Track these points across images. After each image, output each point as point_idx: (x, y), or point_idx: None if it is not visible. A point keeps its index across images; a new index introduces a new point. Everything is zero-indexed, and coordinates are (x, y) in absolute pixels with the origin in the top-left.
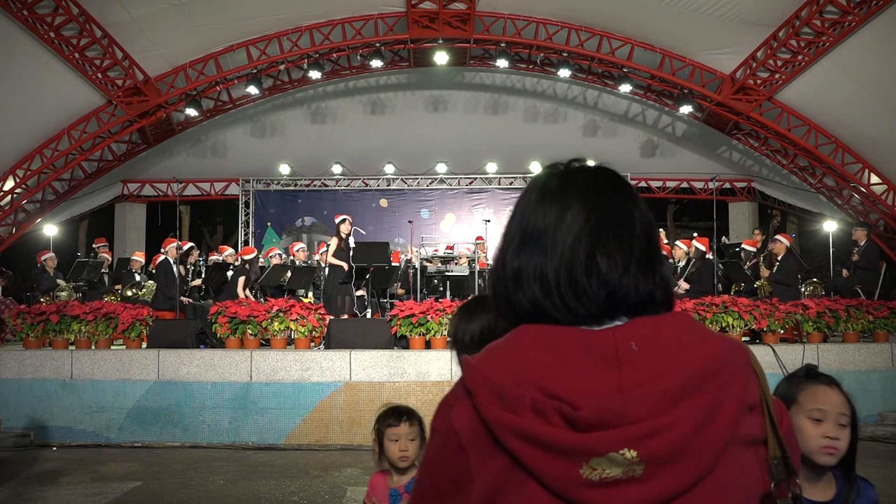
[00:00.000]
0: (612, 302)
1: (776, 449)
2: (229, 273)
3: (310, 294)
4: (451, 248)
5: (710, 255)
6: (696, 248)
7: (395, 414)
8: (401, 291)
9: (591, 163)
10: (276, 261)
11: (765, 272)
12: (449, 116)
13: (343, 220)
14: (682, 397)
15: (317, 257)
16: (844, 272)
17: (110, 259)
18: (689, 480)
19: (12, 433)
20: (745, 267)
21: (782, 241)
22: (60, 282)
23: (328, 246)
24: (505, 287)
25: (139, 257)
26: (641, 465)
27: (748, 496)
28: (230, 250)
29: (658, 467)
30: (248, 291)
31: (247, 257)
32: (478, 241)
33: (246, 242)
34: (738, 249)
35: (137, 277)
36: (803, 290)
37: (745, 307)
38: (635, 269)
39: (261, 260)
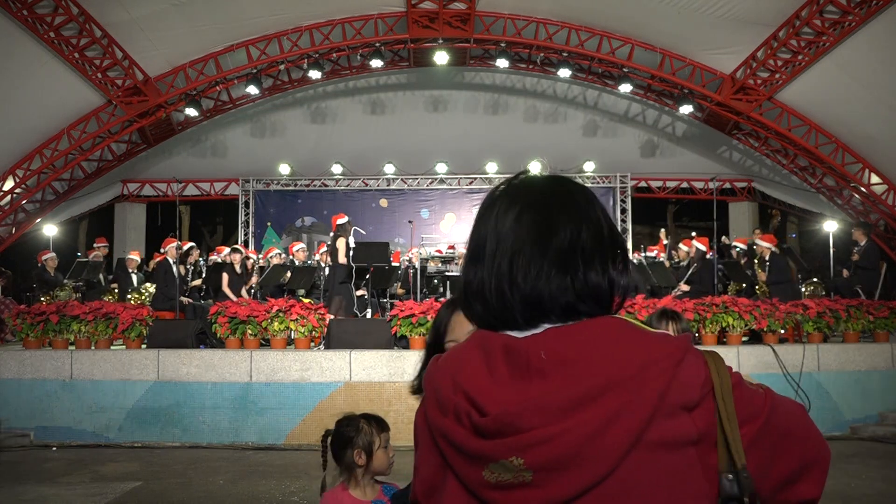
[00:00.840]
0: (530, 309)
1: (726, 461)
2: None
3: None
4: (453, 247)
5: (710, 255)
6: (697, 249)
7: (378, 421)
8: (400, 291)
9: (535, 173)
10: (276, 261)
11: (762, 275)
12: (449, 116)
13: (348, 221)
14: (577, 407)
15: (317, 257)
16: (845, 272)
17: (102, 257)
18: (580, 487)
19: (12, 433)
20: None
21: (762, 245)
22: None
23: (329, 247)
24: (464, 297)
25: (135, 256)
26: (529, 472)
27: (678, 498)
28: (227, 250)
29: (547, 474)
30: (245, 291)
31: (220, 255)
32: None
33: (246, 243)
34: (738, 249)
35: (134, 277)
36: (804, 290)
37: (746, 307)
38: (551, 277)
39: (261, 260)
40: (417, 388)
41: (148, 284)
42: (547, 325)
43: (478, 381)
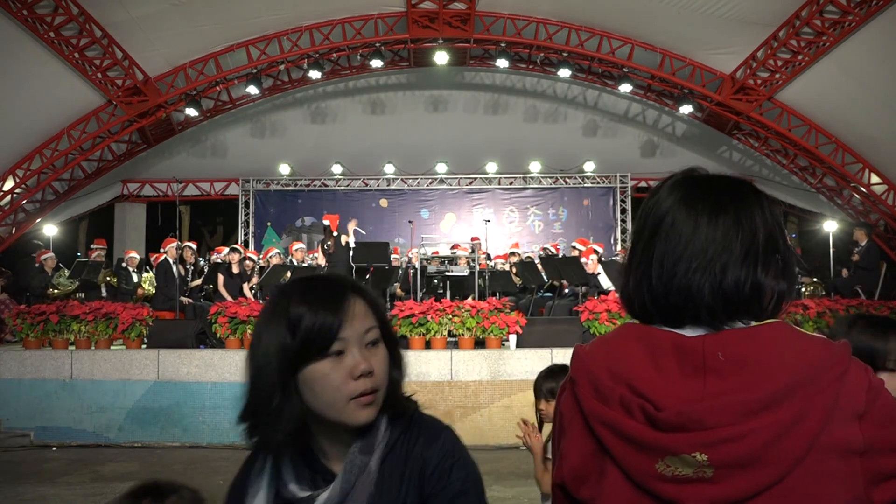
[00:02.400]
0: (689, 310)
1: None
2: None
3: None
4: (458, 246)
5: None
6: None
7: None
8: (399, 293)
9: (711, 171)
10: (275, 260)
11: None
12: (449, 116)
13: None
14: (763, 409)
15: (316, 254)
16: (844, 272)
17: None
18: (758, 486)
19: (12, 433)
20: None
21: None
22: (63, 276)
23: (329, 247)
24: (625, 284)
25: (134, 254)
26: (711, 469)
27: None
28: (227, 250)
29: (728, 471)
30: (247, 290)
31: (220, 255)
32: (474, 241)
33: (246, 243)
34: None
35: (135, 276)
36: (803, 290)
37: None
38: (712, 280)
39: (260, 260)
40: None
41: (151, 275)
42: (703, 328)
43: (644, 375)
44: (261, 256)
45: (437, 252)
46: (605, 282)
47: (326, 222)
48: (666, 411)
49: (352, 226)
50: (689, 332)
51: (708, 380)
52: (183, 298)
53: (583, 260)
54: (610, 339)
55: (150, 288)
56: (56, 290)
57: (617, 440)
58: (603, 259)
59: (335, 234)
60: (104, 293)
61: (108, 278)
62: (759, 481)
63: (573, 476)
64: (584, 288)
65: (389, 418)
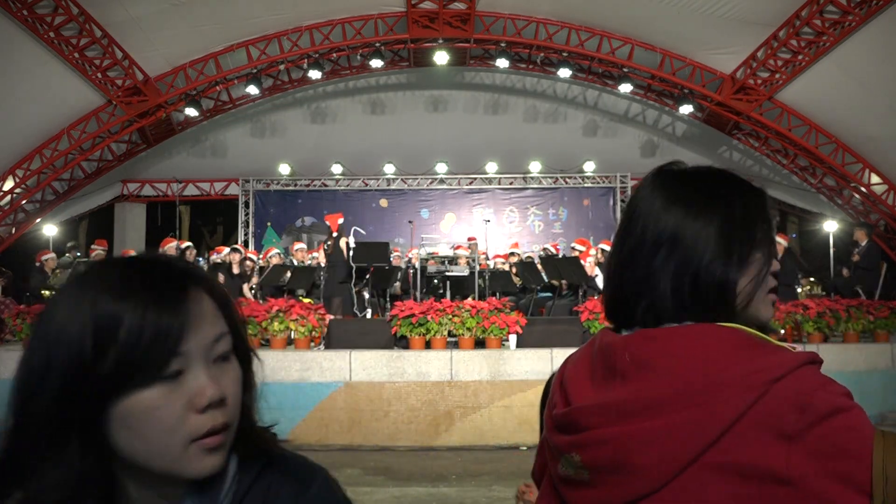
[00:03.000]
0: (623, 309)
1: None
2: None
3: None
4: (461, 247)
5: None
6: None
7: None
8: (399, 293)
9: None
10: (275, 261)
11: None
12: (449, 116)
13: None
14: (638, 414)
15: (315, 255)
16: (845, 272)
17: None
18: (631, 495)
19: None
20: None
21: (780, 242)
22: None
23: (330, 247)
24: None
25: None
26: (586, 471)
27: None
28: (227, 250)
29: (602, 476)
30: (247, 290)
31: (220, 255)
32: (470, 242)
33: (246, 243)
34: None
35: None
36: (799, 290)
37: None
38: (637, 276)
39: (260, 260)
40: None
41: None
42: (637, 326)
43: (577, 378)
44: (260, 256)
45: (436, 252)
46: (601, 283)
47: (339, 220)
48: (559, 412)
49: (344, 242)
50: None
51: (615, 382)
52: None
53: (590, 260)
54: (584, 343)
55: None
56: (52, 292)
57: (545, 439)
58: (601, 261)
59: (334, 234)
60: None
61: None
62: (631, 490)
63: (537, 471)
64: (584, 287)
65: (239, 461)
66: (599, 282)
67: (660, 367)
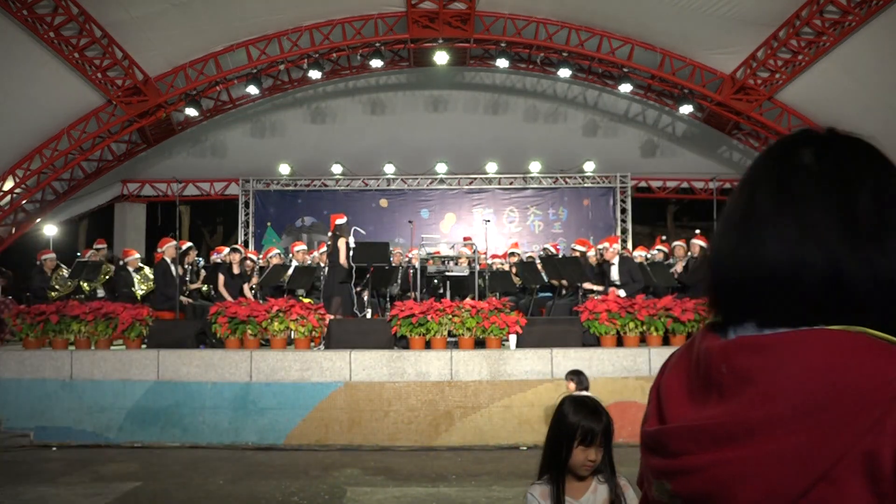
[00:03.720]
0: (733, 306)
1: None
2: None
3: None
4: (468, 238)
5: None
6: (699, 247)
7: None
8: (399, 293)
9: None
10: (275, 261)
11: None
12: (449, 116)
13: (347, 221)
14: (739, 438)
15: (315, 255)
16: None
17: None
18: None
19: (12, 433)
20: None
21: None
22: (60, 277)
23: (329, 247)
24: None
25: (133, 255)
26: (679, 500)
27: None
28: (227, 250)
29: None
30: (247, 290)
31: (220, 255)
32: (466, 241)
33: (246, 243)
34: None
35: (135, 275)
36: None
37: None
38: (739, 250)
39: (260, 260)
40: None
41: (148, 270)
42: (752, 328)
43: (673, 388)
44: (260, 256)
45: (438, 252)
46: (613, 273)
47: (338, 221)
48: (646, 430)
49: (343, 242)
50: (738, 332)
51: (711, 398)
52: (182, 298)
53: (605, 245)
54: (685, 343)
55: (147, 285)
56: (54, 293)
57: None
58: (621, 254)
59: (334, 234)
60: (101, 293)
61: (106, 275)
62: None
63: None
64: (586, 284)
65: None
66: (612, 271)
67: (767, 382)
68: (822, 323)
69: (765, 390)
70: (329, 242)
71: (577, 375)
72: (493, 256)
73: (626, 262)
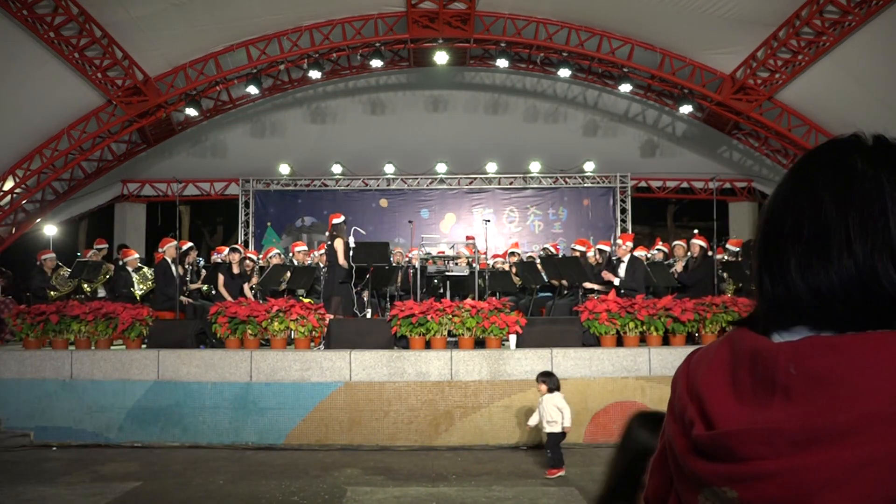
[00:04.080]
0: (785, 306)
1: None
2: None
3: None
4: (471, 237)
5: (710, 254)
6: (700, 247)
7: None
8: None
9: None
10: (275, 261)
11: None
12: (449, 116)
13: (344, 220)
14: (821, 442)
15: (315, 255)
16: None
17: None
18: None
19: (12, 433)
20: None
21: None
22: (60, 276)
23: (327, 248)
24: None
25: (132, 255)
26: None
27: None
28: (227, 250)
29: None
30: (247, 290)
31: (220, 255)
32: (469, 241)
33: (246, 243)
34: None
35: (135, 275)
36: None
37: (746, 307)
38: (808, 267)
39: (261, 260)
40: None
41: (147, 270)
42: (805, 330)
43: (715, 388)
44: (261, 256)
45: (441, 252)
46: (621, 271)
47: (335, 221)
48: (709, 432)
49: (340, 243)
50: (785, 337)
51: (774, 399)
52: (183, 298)
53: (618, 242)
54: (712, 344)
55: (146, 285)
56: (53, 293)
57: (674, 463)
58: (634, 254)
59: (331, 234)
60: (101, 293)
61: (105, 276)
62: None
63: (653, 497)
64: (586, 284)
65: None
66: (620, 269)
67: (845, 383)
68: (885, 327)
69: (849, 392)
70: (327, 243)
71: (548, 377)
72: (495, 256)
73: (635, 262)
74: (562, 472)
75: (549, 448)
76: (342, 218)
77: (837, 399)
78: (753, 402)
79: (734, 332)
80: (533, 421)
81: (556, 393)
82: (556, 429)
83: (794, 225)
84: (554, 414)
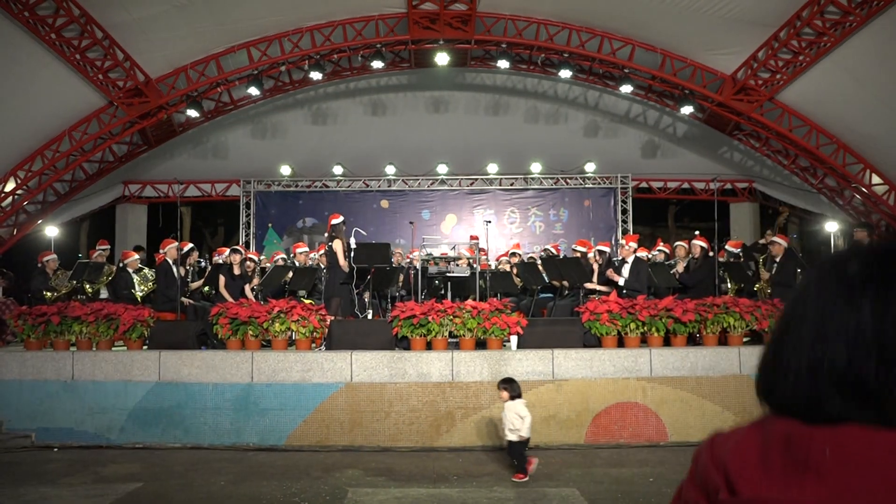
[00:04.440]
0: (839, 398)
1: None
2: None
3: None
4: (476, 237)
5: (711, 255)
6: (701, 248)
7: None
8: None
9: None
10: (280, 264)
11: (764, 275)
12: (450, 117)
13: (343, 221)
14: None
15: (315, 256)
16: None
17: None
18: None
19: (14, 434)
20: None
21: (780, 243)
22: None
23: (327, 249)
24: (765, 373)
25: (133, 256)
26: None
27: None
28: (228, 251)
29: None
30: (248, 291)
31: (221, 257)
32: (473, 241)
33: (247, 244)
34: (756, 249)
35: (135, 276)
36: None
37: (747, 308)
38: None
39: (268, 261)
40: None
41: (148, 271)
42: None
43: (742, 462)
44: (266, 259)
45: (445, 254)
46: (625, 271)
47: (333, 221)
48: (734, 498)
49: (338, 244)
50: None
51: (805, 479)
52: (184, 299)
53: (621, 242)
54: (740, 427)
55: (146, 286)
56: (50, 294)
57: None
58: (638, 255)
59: (330, 235)
60: (104, 294)
61: (107, 277)
62: None
63: None
64: (588, 285)
65: None
66: (624, 269)
67: (873, 470)
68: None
69: (881, 480)
70: (327, 244)
71: (509, 384)
72: (499, 257)
73: (638, 263)
74: (526, 479)
75: (513, 457)
76: (341, 218)
77: (869, 486)
78: (783, 479)
79: (765, 417)
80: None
81: (517, 400)
82: (516, 437)
83: (791, 317)
84: (516, 422)
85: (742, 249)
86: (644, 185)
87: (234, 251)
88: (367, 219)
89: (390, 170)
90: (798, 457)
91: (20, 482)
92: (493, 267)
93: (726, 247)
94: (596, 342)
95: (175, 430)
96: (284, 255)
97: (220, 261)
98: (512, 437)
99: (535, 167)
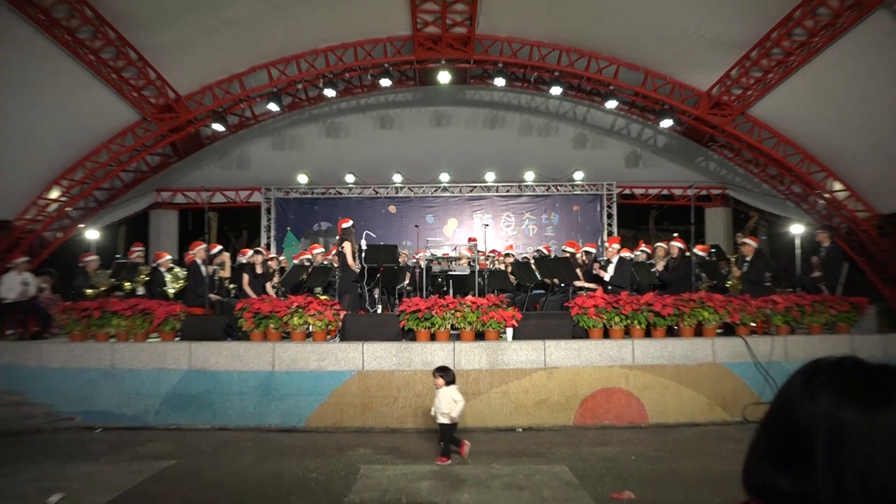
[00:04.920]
0: None
1: None
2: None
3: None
4: (475, 239)
5: (688, 255)
6: (678, 248)
7: None
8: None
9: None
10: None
11: (736, 272)
12: (451, 130)
13: (352, 224)
14: None
15: (329, 257)
16: (814, 259)
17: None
18: None
19: (60, 417)
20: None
21: (750, 244)
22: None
23: (338, 251)
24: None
25: (165, 256)
26: None
27: None
28: (251, 252)
29: None
30: (269, 288)
31: (244, 257)
32: (471, 242)
33: (268, 246)
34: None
35: (167, 275)
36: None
37: (720, 303)
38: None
39: (282, 262)
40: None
41: (179, 270)
42: None
43: None
44: (292, 258)
45: (447, 254)
46: (610, 270)
47: (344, 225)
48: None
49: (348, 246)
50: None
51: None
52: (211, 295)
53: (607, 244)
54: None
55: (177, 284)
56: (89, 291)
57: None
58: (622, 255)
59: (341, 237)
60: (140, 291)
61: (145, 276)
62: None
63: None
64: (577, 283)
65: None
66: (609, 268)
67: None
68: None
69: None
70: (338, 246)
71: (444, 372)
72: (498, 256)
73: (623, 263)
74: (448, 462)
75: (443, 439)
76: (350, 222)
77: None
78: None
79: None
80: (433, 410)
81: (452, 386)
82: (448, 420)
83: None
84: (450, 405)
85: (714, 249)
86: (627, 191)
87: (257, 252)
88: (377, 223)
89: (397, 178)
90: None
91: (66, 459)
92: (487, 254)
93: (695, 250)
94: (584, 334)
95: (204, 413)
96: (310, 257)
97: (244, 261)
98: (444, 419)
99: (529, 175)
